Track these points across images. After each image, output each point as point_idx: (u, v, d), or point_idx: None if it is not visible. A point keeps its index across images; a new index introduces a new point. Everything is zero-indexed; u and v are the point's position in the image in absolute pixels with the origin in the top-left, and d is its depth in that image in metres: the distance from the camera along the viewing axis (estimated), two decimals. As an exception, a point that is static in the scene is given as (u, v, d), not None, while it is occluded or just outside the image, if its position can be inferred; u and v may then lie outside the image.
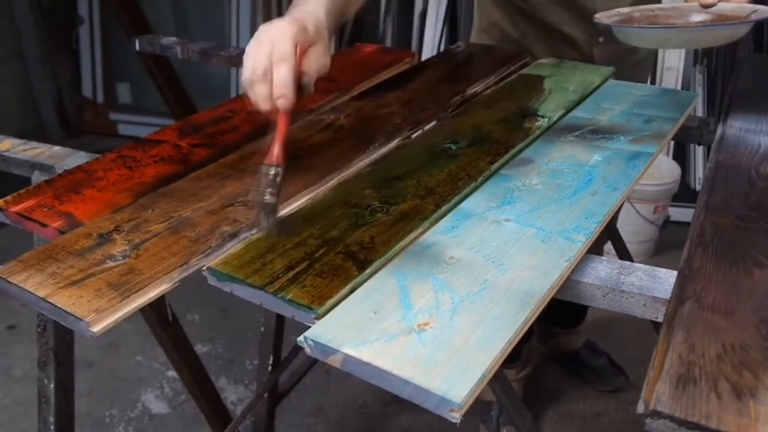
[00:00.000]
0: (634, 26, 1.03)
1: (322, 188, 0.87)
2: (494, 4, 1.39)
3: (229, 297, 0.72)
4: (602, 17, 1.05)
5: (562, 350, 1.95)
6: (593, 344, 1.94)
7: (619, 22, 1.05)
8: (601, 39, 1.33)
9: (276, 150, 0.79)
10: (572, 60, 1.30)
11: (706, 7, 0.99)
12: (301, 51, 0.81)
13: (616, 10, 1.09)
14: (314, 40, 0.82)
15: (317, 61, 0.82)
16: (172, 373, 1.93)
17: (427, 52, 2.80)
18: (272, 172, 0.78)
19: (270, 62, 0.77)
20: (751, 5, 0.99)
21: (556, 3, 1.30)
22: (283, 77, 0.77)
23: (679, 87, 2.59)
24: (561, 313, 1.84)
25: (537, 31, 1.36)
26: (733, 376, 0.52)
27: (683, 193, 2.53)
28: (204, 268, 0.71)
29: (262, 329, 1.45)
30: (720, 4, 0.99)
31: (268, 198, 0.76)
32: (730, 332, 0.57)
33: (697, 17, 1.04)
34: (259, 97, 0.79)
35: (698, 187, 2.65)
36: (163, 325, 1.24)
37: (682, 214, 2.54)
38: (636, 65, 1.42)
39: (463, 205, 0.82)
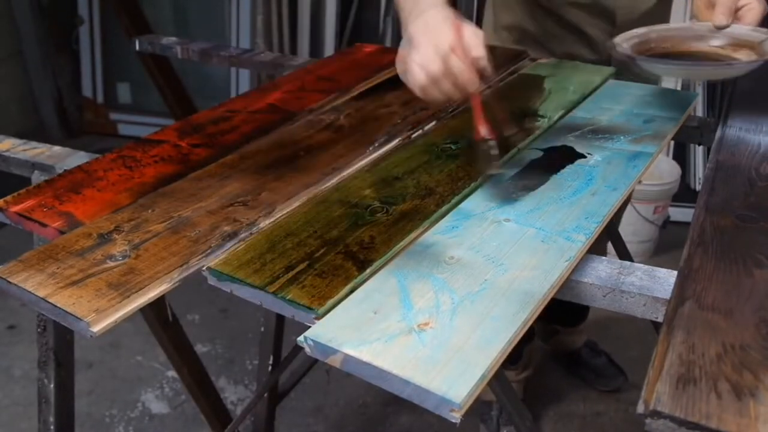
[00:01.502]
0: (660, 61, 1.03)
1: (322, 188, 0.87)
2: (516, 3, 1.38)
3: (229, 297, 0.72)
4: (621, 41, 1.06)
5: (563, 349, 1.95)
6: (593, 344, 1.94)
7: (637, 47, 1.06)
8: (614, 40, 1.33)
9: (483, 127, 0.84)
10: (589, 61, 1.30)
11: (719, 28, 1.00)
12: (459, 36, 0.81)
13: (633, 31, 1.10)
14: (461, 22, 0.82)
15: (477, 36, 0.82)
16: (172, 373, 1.93)
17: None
18: (491, 146, 0.84)
19: (440, 59, 0.78)
20: (764, 30, 1.00)
21: (577, 2, 1.30)
22: (460, 67, 0.79)
23: (679, 87, 2.59)
24: (562, 312, 1.84)
25: (556, 29, 1.35)
26: (733, 376, 0.52)
27: (683, 193, 2.52)
28: (204, 268, 0.71)
29: (262, 329, 1.45)
30: (733, 25, 1.00)
31: (493, 171, 0.85)
32: (730, 332, 0.57)
33: (714, 41, 1.05)
34: (446, 92, 0.80)
35: (698, 187, 2.64)
36: (163, 325, 1.24)
37: (682, 214, 2.54)
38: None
39: (463, 205, 0.82)
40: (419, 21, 0.83)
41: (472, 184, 0.86)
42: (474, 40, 0.81)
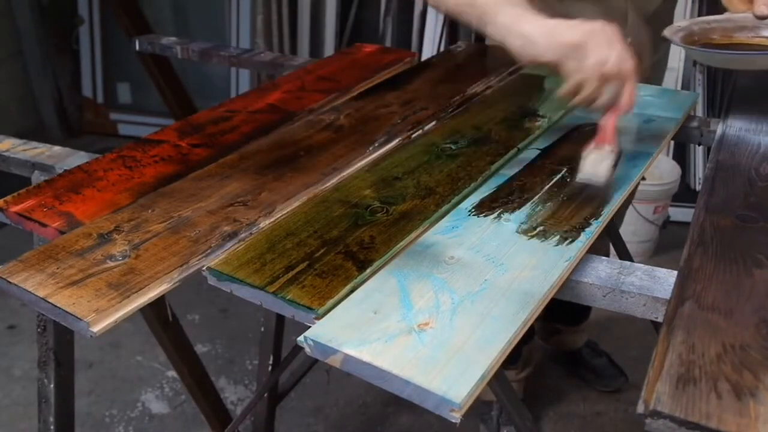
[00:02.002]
0: (722, 51, 1.06)
1: (322, 188, 0.87)
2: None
3: (229, 297, 0.72)
4: (670, 35, 1.09)
5: (564, 348, 1.94)
6: (594, 344, 1.94)
7: (684, 40, 1.08)
8: (629, 39, 1.33)
9: (613, 136, 0.85)
10: None
11: (761, 18, 1.01)
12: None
13: (677, 25, 1.12)
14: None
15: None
16: (172, 373, 1.93)
17: (427, 52, 2.79)
18: (609, 151, 0.85)
19: (618, 66, 0.81)
20: None
21: (589, 2, 1.30)
22: (634, 94, 0.83)
23: (679, 87, 2.59)
24: (564, 311, 1.84)
25: None
26: (733, 376, 0.52)
27: (683, 193, 2.52)
28: (204, 268, 0.71)
29: (262, 329, 1.45)
30: None
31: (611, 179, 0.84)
32: (730, 332, 0.57)
33: (764, 31, 1.08)
34: (605, 95, 0.83)
35: (698, 187, 2.64)
36: (163, 325, 1.24)
37: (682, 214, 2.54)
38: (655, 64, 1.43)
39: (462, 204, 0.82)
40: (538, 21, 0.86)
41: (472, 184, 0.86)
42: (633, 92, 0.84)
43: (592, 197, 0.82)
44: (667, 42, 1.13)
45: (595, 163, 0.84)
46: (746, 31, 1.09)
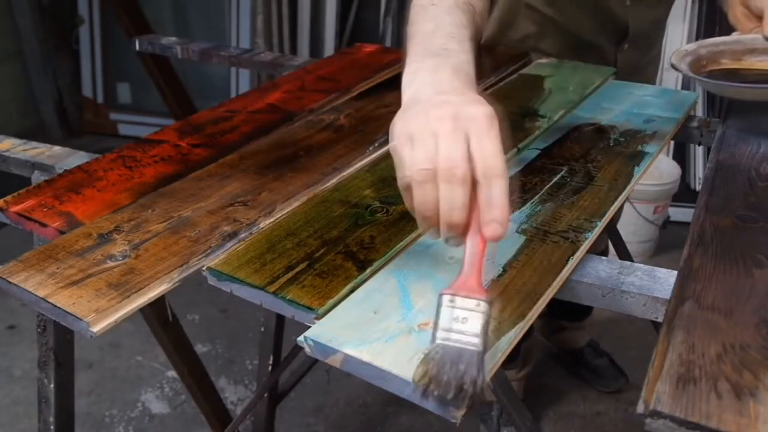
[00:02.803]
0: (733, 84, 1.01)
1: (322, 188, 0.87)
2: (524, 17, 1.37)
3: (229, 297, 0.72)
4: (677, 62, 1.03)
5: (566, 346, 1.95)
6: (596, 344, 1.94)
7: (693, 66, 1.04)
8: (626, 46, 1.33)
9: (474, 281, 0.56)
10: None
11: None
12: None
13: (684, 49, 1.07)
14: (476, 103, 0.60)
15: (492, 139, 0.57)
16: (172, 373, 1.93)
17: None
18: (477, 307, 0.54)
19: (468, 166, 0.55)
20: None
21: (589, 14, 1.30)
22: (500, 199, 0.55)
23: (679, 87, 2.59)
24: (568, 307, 1.84)
25: (564, 41, 1.35)
26: (733, 376, 0.52)
27: (683, 193, 2.53)
28: (204, 268, 0.71)
29: (262, 329, 1.45)
30: None
31: (474, 345, 0.53)
32: (730, 332, 0.57)
33: None
34: (453, 203, 0.55)
35: (698, 187, 2.64)
36: (163, 325, 1.24)
37: (682, 214, 2.54)
38: (649, 63, 1.43)
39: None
40: (427, 85, 0.63)
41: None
42: (502, 193, 0.55)
43: (591, 197, 0.82)
44: (661, 38, 1.09)
45: (453, 322, 0.54)
46: (757, 55, 1.04)
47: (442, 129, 0.57)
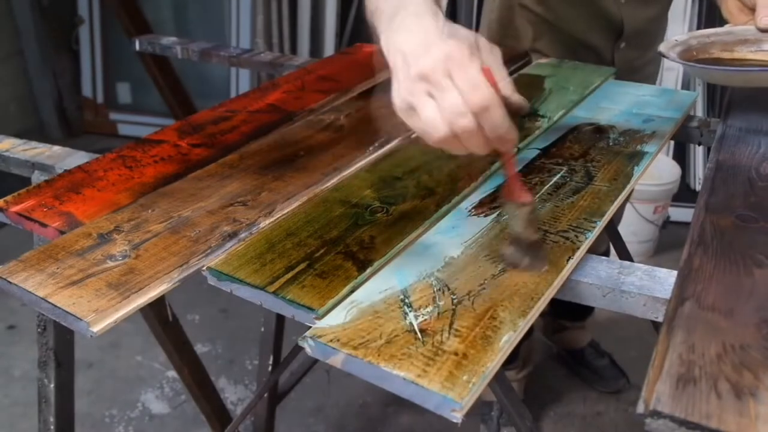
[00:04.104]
0: (721, 68, 1.00)
1: (322, 188, 0.87)
2: (519, 18, 1.37)
3: (229, 297, 0.72)
4: (666, 51, 1.02)
5: (568, 346, 1.95)
6: (597, 344, 1.94)
7: (682, 55, 1.02)
8: (622, 45, 1.33)
9: (519, 189, 0.69)
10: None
11: (764, 31, 0.96)
12: (486, 71, 0.61)
13: (674, 39, 1.06)
14: (476, 44, 0.63)
15: (500, 64, 0.63)
16: (172, 373, 1.93)
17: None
18: (527, 210, 0.69)
19: (471, 111, 0.59)
20: None
21: (582, 13, 1.30)
22: (501, 126, 0.60)
23: (679, 87, 2.59)
24: (570, 307, 1.84)
25: (559, 41, 1.35)
26: (733, 376, 0.52)
27: (683, 193, 2.53)
28: (204, 268, 0.71)
29: (262, 329, 1.45)
30: None
31: (533, 235, 0.70)
32: (730, 332, 0.57)
33: (766, 44, 1.01)
34: (472, 148, 0.62)
35: (698, 187, 2.64)
36: (163, 325, 1.24)
37: (682, 214, 2.54)
38: (648, 63, 1.43)
39: (462, 204, 0.82)
40: (415, 37, 0.63)
41: (472, 184, 0.86)
42: (501, 72, 0.62)
43: (591, 196, 0.82)
44: (660, 37, 1.08)
45: (522, 222, 0.69)
46: (748, 45, 1.03)
47: (432, 87, 0.60)
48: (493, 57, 0.63)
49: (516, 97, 0.63)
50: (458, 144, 0.62)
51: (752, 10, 0.98)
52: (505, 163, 0.68)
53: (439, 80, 0.60)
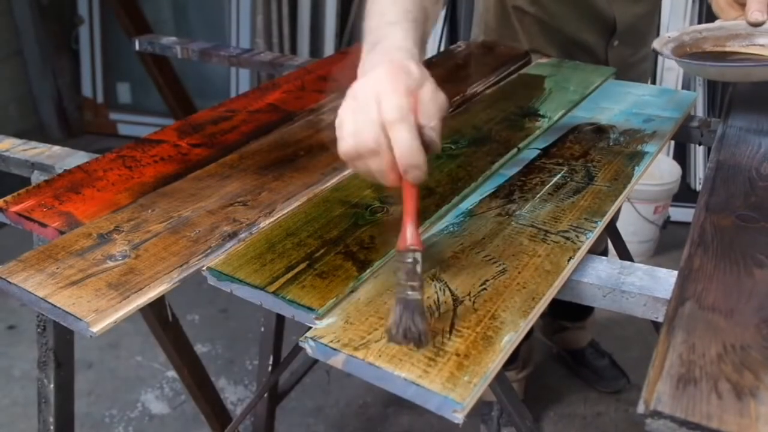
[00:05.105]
0: (714, 63, 1.00)
1: (322, 188, 0.87)
2: (514, 19, 1.37)
3: (229, 297, 0.71)
4: (659, 47, 1.03)
5: (568, 346, 1.95)
6: (597, 345, 1.94)
7: (675, 51, 1.03)
8: (615, 43, 1.33)
9: (409, 231, 0.61)
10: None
11: (755, 25, 0.96)
12: (414, 99, 0.61)
13: (667, 35, 1.06)
14: (422, 80, 0.63)
15: (434, 103, 0.62)
16: (172, 373, 1.93)
17: (427, 52, 2.79)
18: (409, 259, 0.60)
19: (381, 127, 0.59)
20: None
21: (574, 12, 1.30)
22: (407, 143, 0.59)
23: (679, 87, 2.59)
24: (570, 308, 1.84)
25: (553, 41, 1.35)
26: (733, 376, 0.52)
27: (684, 193, 2.52)
28: (204, 268, 0.71)
29: (262, 329, 1.45)
30: None
31: (410, 293, 0.59)
32: (730, 332, 0.57)
33: (759, 39, 1.02)
34: (376, 173, 0.61)
35: (699, 187, 2.64)
36: (163, 325, 1.24)
37: (682, 214, 2.54)
38: (642, 60, 1.43)
39: (463, 204, 0.82)
40: (375, 57, 0.66)
41: (473, 184, 0.86)
42: (429, 106, 0.61)
43: (591, 197, 0.82)
44: (652, 34, 1.09)
45: (403, 273, 0.60)
46: (740, 40, 1.04)
47: (357, 105, 0.62)
48: (432, 100, 0.62)
49: (430, 132, 0.61)
50: (363, 162, 0.61)
51: (742, 5, 0.99)
52: (405, 197, 0.61)
53: (367, 101, 0.61)
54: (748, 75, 0.98)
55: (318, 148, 0.98)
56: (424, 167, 0.60)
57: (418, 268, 0.60)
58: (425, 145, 0.61)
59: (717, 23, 1.06)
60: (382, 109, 0.60)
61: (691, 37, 1.07)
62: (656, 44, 1.04)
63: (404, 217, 0.61)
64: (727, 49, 1.05)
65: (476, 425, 1.74)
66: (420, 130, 0.60)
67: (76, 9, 3.33)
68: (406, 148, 0.59)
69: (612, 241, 1.33)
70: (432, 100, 0.62)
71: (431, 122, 0.61)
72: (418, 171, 0.60)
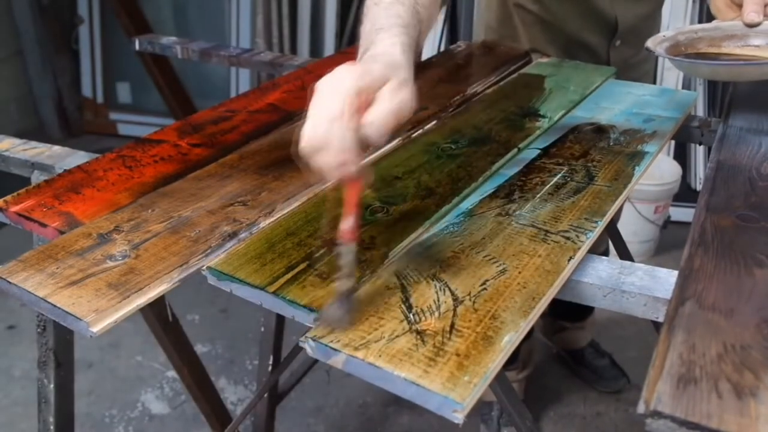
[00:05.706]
0: (707, 62, 1.00)
1: (322, 188, 0.87)
2: (516, 18, 1.37)
3: (229, 297, 0.71)
4: (653, 46, 1.02)
5: (568, 346, 1.95)
6: (597, 345, 1.94)
7: (670, 51, 1.03)
8: (617, 43, 1.34)
9: (345, 225, 0.64)
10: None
11: (750, 26, 0.97)
12: (367, 98, 0.63)
13: (662, 35, 1.06)
14: (384, 78, 0.64)
15: (389, 102, 0.63)
16: (172, 373, 1.93)
17: (427, 52, 2.79)
18: (343, 251, 0.64)
19: (327, 122, 0.61)
20: None
21: (576, 11, 1.30)
22: (336, 140, 0.60)
23: (679, 87, 2.59)
24: (569, 307, 1.84)
25: (555, 40, 1.35)
26: (733, 376, 0.52)
27: (684, 193, 2.52)
28: (204, 268, 0.71)
29: (262, 329, 1.45)
30: (766, 22, 0.97)
31: (341, 281, 0.63)
32: (730, 332, 0.57)
33: (754, 39, 1.01)
34: (323, 167, 0.62)
35: (699, 187, 2.64)
36: (163, 325, 1.24)
37: (682, 214, 2.54)
38: (644, 61, 1.43)
39: (463, 204, 0.82)
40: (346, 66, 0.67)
41: (473, 184, 0.86)
42: (382, 106, 0.63)
43: (591, 197, 0.82)
44: (654, 35, 1.09)
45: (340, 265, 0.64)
46: (735, 40, 1.03)
47: (317, 98, 0.64)
48: (388, 100, 0.63)
49: (366, 130, 0.62)
50: (314, 161, 0.62)
51: (739, 6, 0.99)
52: (347, 193, 0.63)
53: (326, 95, 0.63)
54: (741, 74, 0.98)
55: (318, 148, 0.98)
56: (353, 163, 0.61)
57: (349, 258, 0.63)
58: (362, 138, 0.62)
59: (713, 23, 1.06)
60: (325, 107, 0.62)
61: (686, 37, 1.07)
62: (650, 43, 1.04)
63: (344, 212, 0.64)
64: (723, 49, 1.05)
65: (476, 425, 1.74)
66: (360, 129, 0.61)
67: (76, 9, 3.33)
68: (333, 145, 0.60)
69: (612, 241, 1.33)
70: (388, 100, 0.63)
71: (375, 121, 0.62)
72: (346, 168, 0.61)
